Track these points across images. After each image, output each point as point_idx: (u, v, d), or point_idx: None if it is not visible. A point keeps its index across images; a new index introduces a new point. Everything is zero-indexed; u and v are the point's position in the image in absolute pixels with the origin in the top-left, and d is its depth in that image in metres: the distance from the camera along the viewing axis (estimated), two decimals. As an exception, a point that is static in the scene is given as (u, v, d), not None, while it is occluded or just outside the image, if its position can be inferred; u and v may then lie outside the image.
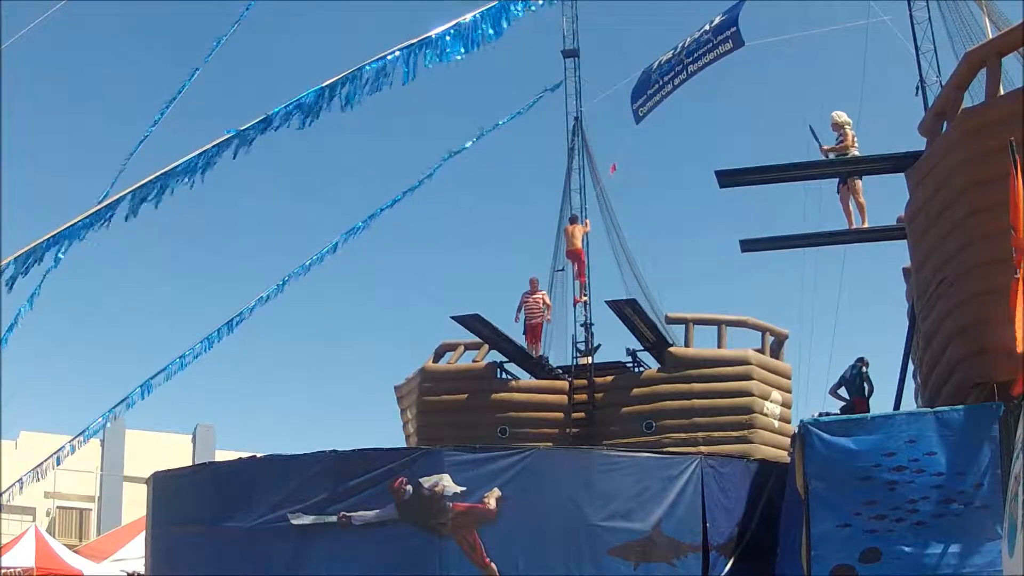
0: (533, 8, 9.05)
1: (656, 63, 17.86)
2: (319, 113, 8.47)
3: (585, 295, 17.48)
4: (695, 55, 17.02)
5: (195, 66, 15.75)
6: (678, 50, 17.35)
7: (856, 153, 14.62)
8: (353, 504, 10.59)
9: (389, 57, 8.64)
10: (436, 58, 8.51)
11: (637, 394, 15.66)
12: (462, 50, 8.58)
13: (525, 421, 15.88)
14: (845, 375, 14.03)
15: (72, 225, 7.54)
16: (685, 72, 17.30)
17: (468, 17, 8.77)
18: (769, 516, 11.29)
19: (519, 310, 16.85)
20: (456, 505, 10.42)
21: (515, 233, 49.99)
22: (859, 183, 14.82)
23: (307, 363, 53.35)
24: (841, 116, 14.87)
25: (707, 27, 16.94)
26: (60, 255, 7.68)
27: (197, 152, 8.18)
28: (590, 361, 16.61)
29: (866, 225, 14.78)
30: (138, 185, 7.78)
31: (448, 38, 8.59)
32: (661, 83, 17.73)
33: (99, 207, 7.75)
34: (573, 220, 18.01)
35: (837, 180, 14.93)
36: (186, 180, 8.07)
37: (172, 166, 7.99)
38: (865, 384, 13.90)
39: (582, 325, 17.18)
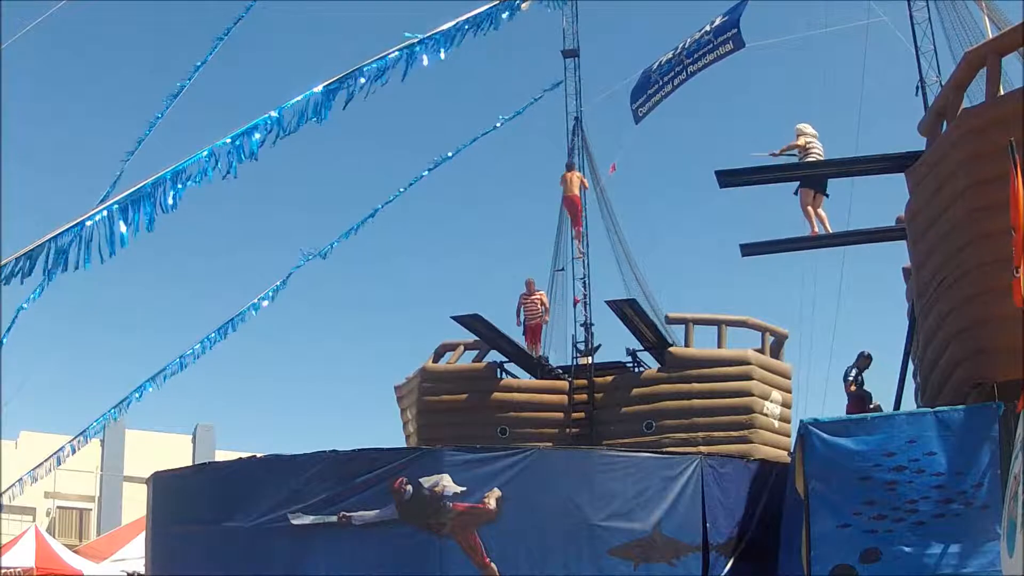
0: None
1: (656, 64, 17.88)
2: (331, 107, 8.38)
3: (582, 251, 17.44)
4: (695, 55, 17.04)
5: (195, 64, 15.79)
6: (678, 51, 17.37)
7: (819, 157, 14.75)
8: (353, 504, 10.59)
9: (391, 55, 8.61)
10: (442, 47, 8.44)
11: (637, 394, 15.65)
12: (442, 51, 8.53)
13: (525, 421, 15.88)
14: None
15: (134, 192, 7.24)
16: (685, 72, 17.33)
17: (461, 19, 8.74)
18: (769, 516, 11.29)
19: (519, 312, 16.85)
20: (456, 505, 10.42)
21: (515, 233, 50.03)
22: (821, 197, 14.95)
23: (307, 363, 53.41)
24: (805, 129, 14.98)
25: (708, 28, 16.95)
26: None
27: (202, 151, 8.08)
28: (590, 361, 16.61)
29: (829, 231, 14.92)
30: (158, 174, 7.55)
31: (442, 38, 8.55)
32: (661, 83, 17.76)
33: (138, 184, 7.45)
34: (570, 167, 17.96)
35: (798, 184, 15.01)
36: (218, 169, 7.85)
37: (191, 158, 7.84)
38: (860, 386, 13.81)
39: (582, 325, 17.18)
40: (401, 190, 18.35)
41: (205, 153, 7.45)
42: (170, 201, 7.22)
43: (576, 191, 17.63)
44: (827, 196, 15.02)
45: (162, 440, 33.46)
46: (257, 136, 7.74)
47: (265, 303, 16.73)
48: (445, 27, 8.44)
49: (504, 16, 8.72)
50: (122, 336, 50.13)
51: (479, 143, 19.10)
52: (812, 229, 14.89)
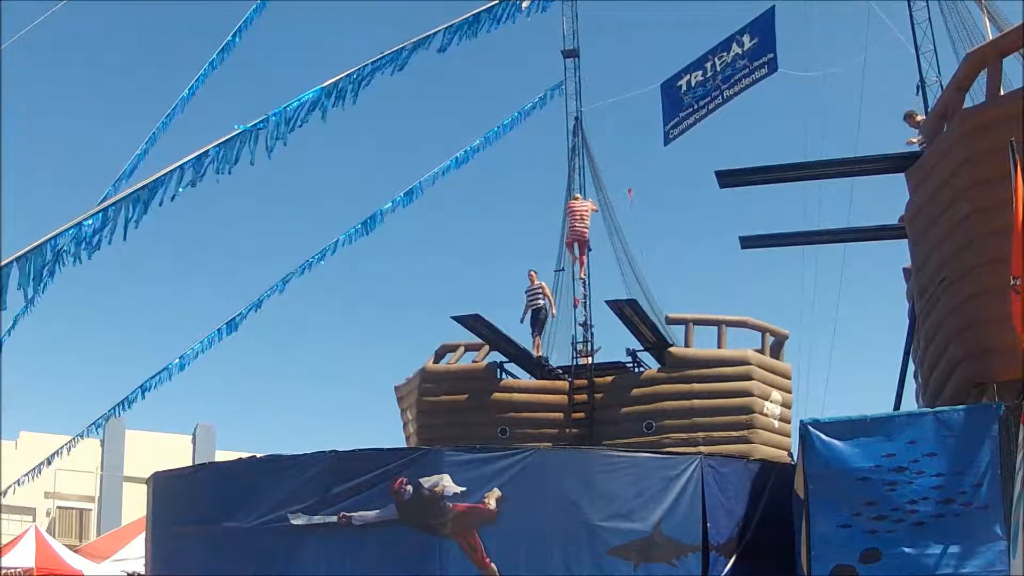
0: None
1: (683, 82, 17.17)
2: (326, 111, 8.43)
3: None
4: (731, 81, 16.60)
5: (199, 68, 15.81)
6: (708, 74, 16.84)
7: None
8: (353, 504, 10.58)
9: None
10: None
11: (637, 394, 15.63)
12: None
13: (525, 421, 15.86)
14: None
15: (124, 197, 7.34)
16: (721, 97, 16.83)
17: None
18: (769, 516, 11.28)
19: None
20: (456, 505, 10.41)
21: (516, 233, 50.01)
22: None
23: (307, 363, 53.44)
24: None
25: (738, 50, 16.47)
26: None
27: (206, 148, 8.11)
28: (590, 361, 16.60)
29: None
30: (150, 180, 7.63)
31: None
32: (695, 107, 17.18)
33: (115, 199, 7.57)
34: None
35: None
36: (202, 177, 7.95)
37: (182, 161, 7.90)
38: None
39: (581, 325, 17.18)
40: (411, 187, 18.41)
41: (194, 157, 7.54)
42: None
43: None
44: None
45: (162, 440, 33.47)
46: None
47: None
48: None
49: (505, 16, 8.78)
50: (122, 336, 50.18)
51: (478, 143, 19.13)
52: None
